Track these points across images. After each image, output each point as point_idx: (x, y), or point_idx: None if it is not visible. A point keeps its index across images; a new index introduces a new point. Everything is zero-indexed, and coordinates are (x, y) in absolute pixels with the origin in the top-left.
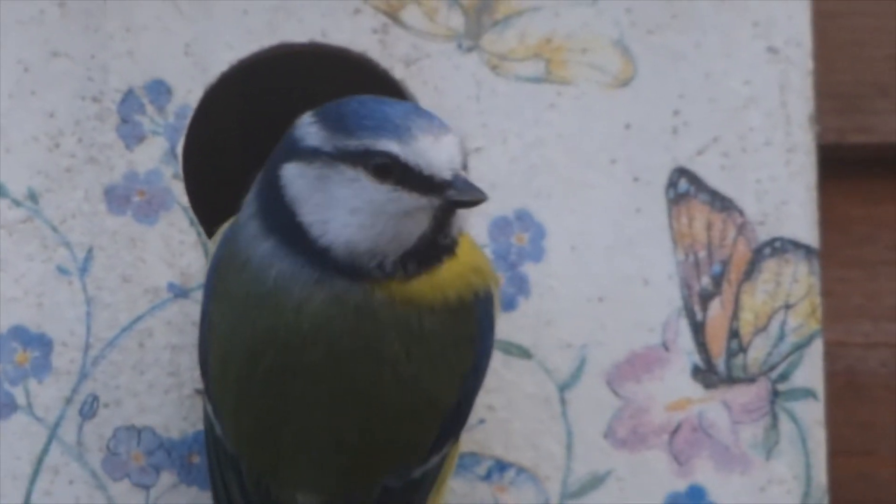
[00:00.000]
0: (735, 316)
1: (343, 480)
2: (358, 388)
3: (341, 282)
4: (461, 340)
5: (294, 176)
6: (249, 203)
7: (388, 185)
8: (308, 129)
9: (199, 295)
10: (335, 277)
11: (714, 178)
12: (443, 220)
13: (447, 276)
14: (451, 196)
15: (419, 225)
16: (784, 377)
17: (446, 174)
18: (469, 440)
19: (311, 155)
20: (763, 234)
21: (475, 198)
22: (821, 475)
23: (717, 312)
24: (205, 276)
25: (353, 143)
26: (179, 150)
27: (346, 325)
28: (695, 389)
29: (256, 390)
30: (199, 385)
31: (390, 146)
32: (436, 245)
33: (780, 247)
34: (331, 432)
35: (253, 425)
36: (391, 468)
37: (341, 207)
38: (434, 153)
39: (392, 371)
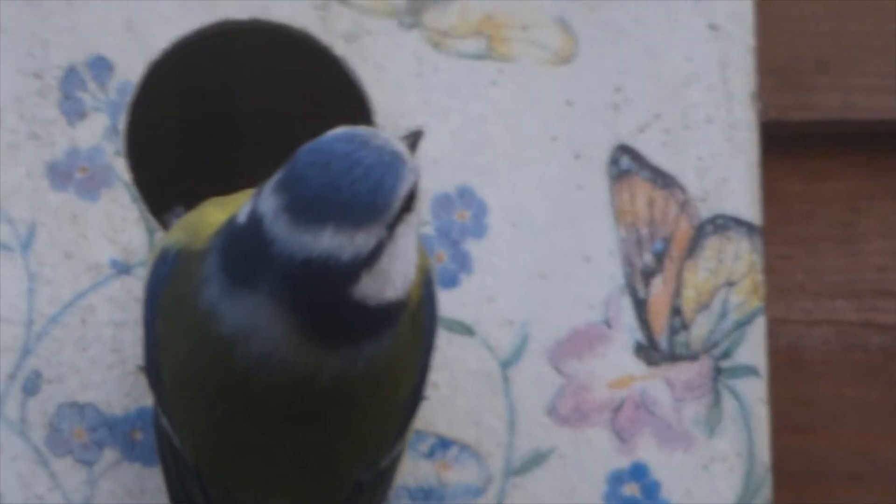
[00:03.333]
0: (677, 293)
1: (316, 486)
2: (322, 410)
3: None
4: (415, 334)
5: None
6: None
7: None
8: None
9: (141, 272)
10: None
11: (656, 154)
12: None
13: None
14: None
15: None
16: (727, 354)
17: None
18: None
19: None
20: (705, 211)
21: None
22: (764, 452)
23: (659, 289)
24: (146, 280)
25: None
26: (121, 126)
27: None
28: (637, 367)
29: (217, 415)
30: (142, 362)
31: None
32: None
33: (723, 224)
34: (298, 447)
35: (215, 444)
36: (361, 467)
37: None
38: None
39: (355, 390)
